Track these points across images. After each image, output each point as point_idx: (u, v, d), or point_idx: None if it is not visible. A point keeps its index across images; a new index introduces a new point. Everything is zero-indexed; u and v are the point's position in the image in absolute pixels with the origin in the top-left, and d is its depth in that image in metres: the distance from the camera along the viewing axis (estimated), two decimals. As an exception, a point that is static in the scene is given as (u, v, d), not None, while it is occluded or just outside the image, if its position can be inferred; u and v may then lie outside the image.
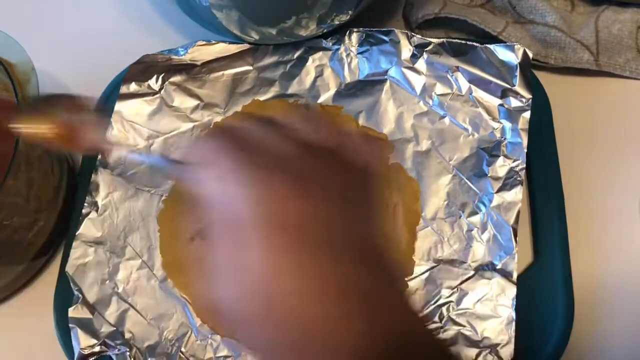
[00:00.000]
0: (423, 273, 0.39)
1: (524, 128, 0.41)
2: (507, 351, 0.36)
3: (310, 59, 0.47)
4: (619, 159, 0.44)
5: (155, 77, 0.46)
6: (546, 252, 0.39)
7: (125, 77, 0.46)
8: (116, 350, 0.39)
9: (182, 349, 0.39)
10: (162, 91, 0.46)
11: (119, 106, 0.45)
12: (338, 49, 0.46)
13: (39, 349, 0.41)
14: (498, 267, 0.38)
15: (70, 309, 0.40)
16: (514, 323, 0.36)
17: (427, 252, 0.40)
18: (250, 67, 0.47)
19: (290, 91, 0.46)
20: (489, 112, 0.43)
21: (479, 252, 0.39)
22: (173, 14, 0.50)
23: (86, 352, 0.38)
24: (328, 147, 0.26)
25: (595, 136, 0.44)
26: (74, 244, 0.42)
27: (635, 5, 0.47)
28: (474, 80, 0.44)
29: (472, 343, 0.37)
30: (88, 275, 0.41)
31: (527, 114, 0.42)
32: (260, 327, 0.22)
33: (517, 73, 0.42)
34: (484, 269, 0.39)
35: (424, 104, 0.44)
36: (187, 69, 0.47)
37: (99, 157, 0.44)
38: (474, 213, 0.40)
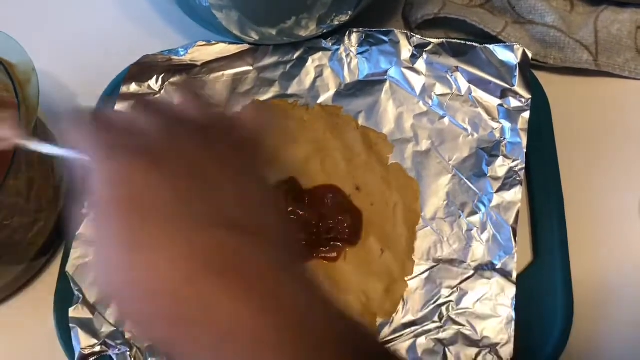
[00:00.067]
0: (423, 273, 0.39)
1: (524, 128, 0.41)
2: (507, 351, 0.36)
3: (310, 60, 0.47)
4: (618, 158, 0.44)
5: (155, 77, 0.47)
6: (546, 252, 0.39)
7: (126, 77, 0.46)
8: (117, 350, 0.39)
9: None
10: (162, 91, 0.47)
11: (119, 106, 0.45)
12: (338, 50, 0.47)
13: (39, 349, 0.41)
14: (498, 267, 0.38)
15: (71, 309, 0.40)
16: (513, 322, 0.36)
17: (427, 252, 0.40)
18: (250, 68, 0.47)
19: (290, 91, 0.47)
20: (488, 112, 0.43)
21: (479, 251, 0.39)
22: (173, 14, 0.50)
23: (87, 352, 0.38)
24: (199, 122, 0.27)
25: (594, 136, 0.45)
26: (74, 243, 0.42)
27: (634, 5, 0.47)
28: (473, 80, 0.44)
29: (472, 342, 0.37)
30: (88, 275, 0.41)
31: (526, 114, 0.42)
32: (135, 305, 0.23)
33: (517, 73, 0.42)
34: (484, 268, 0.39)
35: (424, 104, 0.44)
36: (187, 69, 0.47)
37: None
38: (473, 213, 0.40)
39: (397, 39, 0.45)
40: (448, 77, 0.44)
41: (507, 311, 0.37)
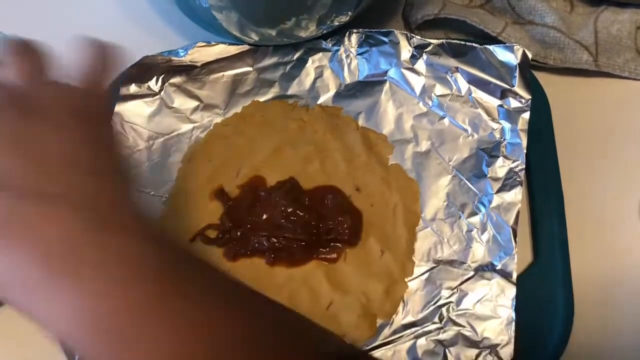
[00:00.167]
0: (423, 274, 0.39)
1: (524, 129, 0.41)
2: (507, 351, 0.36)
3: (310, 60, 0.47)
4: (618, 159, 0.44)
5: (155, 78, 0.47)
6: (546, 253, 0.39)
7: (125, 78, 0.46)
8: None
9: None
10: (162, 92, 0.47)
11: (119, 107, 0.45)
12: (338, 50, 0.47)
13: (39, 350, 0.41)
14: (498, 268, 0.38)
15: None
16: (513, 323, 0.36)
17: (427, 253, 0.40)
18: (250, 68, 0.47)
19: (290, 92, 0.47)
20: (488, 113, 0.43)
21: (479, 252, 0.39)
22: (173, 15, 0.50)
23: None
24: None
25: (594, 136, 0.45)
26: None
27: (634, 5, 0.47)
28: (473, 81, 0.44)
29: (472, 343, 0.37)
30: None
31: (526, 115, 0.42)
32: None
33: (517, 74, 0.42)
34: (484, 269, 0.39)
35: (424, 105, 0.44)
36: (187, 70, 0.47)
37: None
38: (473, 214, 0.40)
39: (397, 40, 0.45)
40: (448, 77, 0.44)
41: (508, 312, 0.37)
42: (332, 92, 0.46)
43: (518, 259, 0.38)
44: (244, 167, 0.44)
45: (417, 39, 0.45)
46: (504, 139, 0.42)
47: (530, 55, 0.42)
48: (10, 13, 0.54)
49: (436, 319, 0.38)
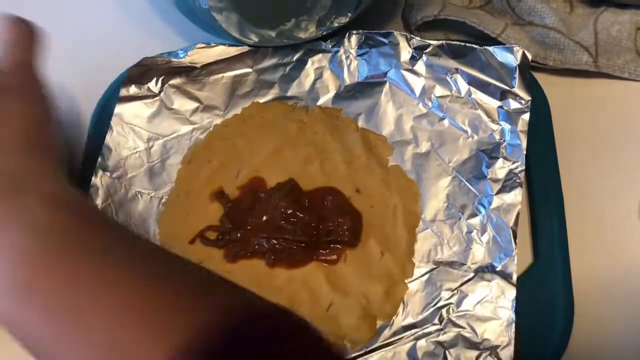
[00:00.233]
0: (423, 275, 0.39)
1: (523, 130, 0.41)
2: (507, 353, 0.36)
3: (310, 61, 0.47)
4: (618, 160, 0.44)
5: (154, 79, 0.47)
6: (546, 254, 0.39)
7: (125, 79, 0.46)
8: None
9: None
10: (162, 94, 0.47)
11: (119, 109, 0.46)
12: (337, 51, 0.47)
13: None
14: (498, 269, 0.38)
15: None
16: (513, 325, 0.36)
17: (427, 254, 0.40)
18: (249, 70, 0.47)
19: (289, 93, 0.47)
20: (488, 114, 0.43)
21: (479, 254, 0.39)
22: (173, 16, 0.50)
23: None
24: None
25: (594, 137, 0.45)
26: None
27: (634, 6, 0.47)
28: (473, 82, 0.44)
29: (472, 345, 0.37)
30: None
31: (526, 116, 0.42)
32: None
33: (516, 75, 0.42)
34: (484, 270, 0.39)
35: (423, 106, 0.44)
36: (187, 71, 0.47)
37: (99, 159, 0.44)
38: (473, 215, 0.40)
39: (396, 41, 0.45)
40: (448, 78, 0.44)
41: (508, 313, 0.37)
42: (332, 93, 0.46)
43: (518, 260, 0.38)
44: (244, 168, 0.44)
45: (416, 40, 0.45)
46: (504, 140, 0.42)
47: (530, 57, 0.42)
48: (10, 12, 0.54)
49: (436, 321, 0.38)
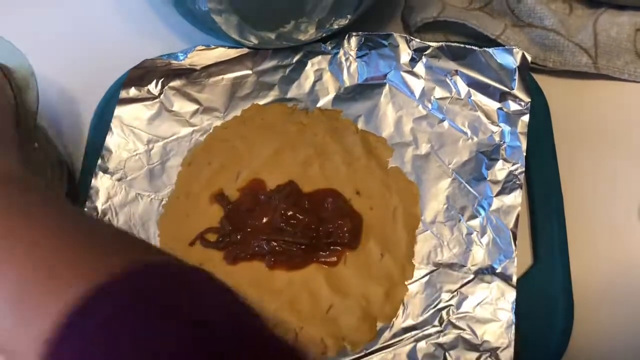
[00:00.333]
0: (423, 277, 0.39)
1: (523, 131, 0.41)
2: (507, 354, 0.36)
3: (310, 63, 0.47)
4: (617, 161, 0.44)
5: (154, 81, 0.47)
6: (546, 255, 0.39)
7: (125, 81, 0.46)
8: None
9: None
10: (162, 96, 0.47)
11: (119, 111, 0.46)
12: (337, 53, 0.47)
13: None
14: (498, 271, 0.38)
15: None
16: (513, 326, 0.36)
17: (427, 256, 0.40)
18: (249, 72, 0.47)
19: (289, 95, 0.47)
20: (487, 116, 0.43)
21: (479, 255, 0.39)
22: (172, 19, 0.50)
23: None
24: None
25: (594, 139, 0.45)
26: None
27: (633, 8, 0.47)
28: (472, 83, 0.44)
29: (472, 347, 0.37)
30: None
31: (526, 118, 0.42)
32: None
33: (516, 76, 0.42)
34: (484, 272, 0.39)
35: (423, 108, 0.44)
36: (187, 73, 0.47)
37: (99, 161, 0.44)
38: (473, 217, 0.40)
39: (396, 43, 0.46)
40: (447, 80, 0.44)
41: (507, 315, 0.37)
42: (332, 95, 0.46)
43: (518, 262, 0.38)
44: (244, 170, 0.44)
45: (416, 42, 0.45)
46: (504, 142, 0.42)
47: (529, 58, 0.43)
48: (9, 18, 0.54)
49: (436, 322, 0.38)
